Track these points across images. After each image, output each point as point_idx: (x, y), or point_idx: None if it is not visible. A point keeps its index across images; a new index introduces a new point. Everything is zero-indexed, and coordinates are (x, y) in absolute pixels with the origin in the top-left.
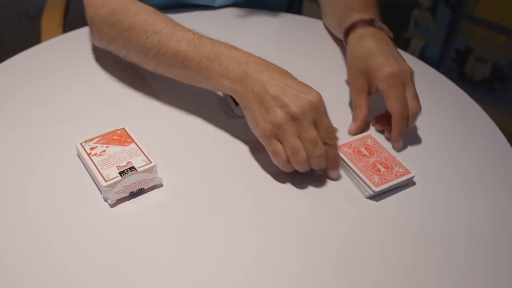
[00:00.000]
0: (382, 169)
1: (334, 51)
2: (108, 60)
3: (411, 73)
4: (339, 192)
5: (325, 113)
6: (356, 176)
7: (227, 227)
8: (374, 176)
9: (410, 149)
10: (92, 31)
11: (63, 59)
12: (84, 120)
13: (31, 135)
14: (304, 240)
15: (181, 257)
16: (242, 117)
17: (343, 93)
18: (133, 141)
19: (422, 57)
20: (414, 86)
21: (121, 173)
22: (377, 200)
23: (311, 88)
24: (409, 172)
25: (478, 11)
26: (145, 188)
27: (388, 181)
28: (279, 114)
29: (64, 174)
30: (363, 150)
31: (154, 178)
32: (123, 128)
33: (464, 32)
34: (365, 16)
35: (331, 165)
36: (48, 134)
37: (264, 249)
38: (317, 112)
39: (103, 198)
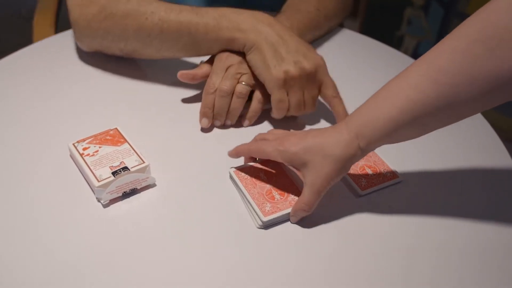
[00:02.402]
0: (370, 172)
1: (330, 50)
2: (100, 60)
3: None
4: (335, 190)
5: (328, 74)
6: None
7: (220, 226)
8: (361, 179)
9: (400, 147)
10: (79, 34)
11: (55, 59)
12: (77, 120)
13: (23, 136)
14: (302, 237)
15: (175, 256)
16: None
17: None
18: (126, 141)
19: (415, 55)
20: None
21: (114, 173)
22: (368, 199)
23: (315, 50)
24: (397, 177)
25: (470, 9)
26: (138, 188)
27: (375, 184)
28: (293, 67)
29: (57, 175)
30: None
31: (147, 178)
32: (116, 128)
33: None
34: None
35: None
36: (40, 135)
37: (258, 248)
38: (324, 73)
39: (96, 198)
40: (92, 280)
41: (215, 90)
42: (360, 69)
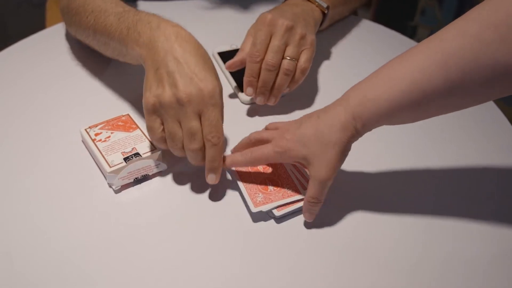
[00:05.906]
0: (271, 187)
1: (343, 38)
2: None
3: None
4: (336, 194)
5: (215, 106)
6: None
7: (230, 214)
8: (258, 194)
9: (411, 140)
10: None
11: (68, 44)
12: (89, 106)
13: (36, 121)
14: (308, 233)
15: (185, 243)
16: (248, 103)
17: (334, 79)
18: (138, 127)
19: None
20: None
21: (125, 159)
22: (374, 203)
23: (211, 75)
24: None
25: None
26: (150, 174)
27: (272, 201)
28: (167, 93)
29: (69, 160)
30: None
31: (159, 164)
32: (128, 114)
33: None
34: None
35: (209, 166)
36: (52, 120)
37: (265, 237)
38: (205, 104)
39: (108, 184)
40: (102, 264)
41: (261, 60)
42: (373, 58)
